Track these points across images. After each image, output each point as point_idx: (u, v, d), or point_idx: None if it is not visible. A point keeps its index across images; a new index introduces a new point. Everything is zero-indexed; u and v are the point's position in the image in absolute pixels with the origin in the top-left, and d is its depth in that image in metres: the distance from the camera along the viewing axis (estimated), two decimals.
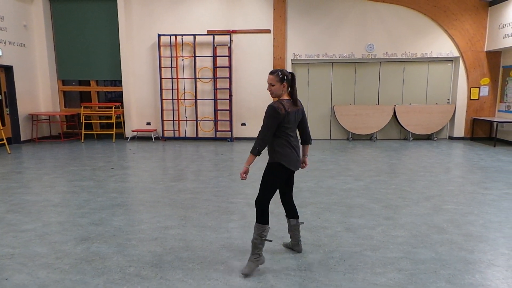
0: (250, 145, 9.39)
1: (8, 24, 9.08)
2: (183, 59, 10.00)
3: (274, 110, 2.74)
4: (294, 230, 3.17)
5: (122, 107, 10.34)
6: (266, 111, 2.80)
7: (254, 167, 6.69)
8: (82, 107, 10.21)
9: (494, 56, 9.53)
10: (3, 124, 9.14)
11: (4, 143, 8.31)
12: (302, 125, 3.05)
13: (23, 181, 5.76)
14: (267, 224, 2.90)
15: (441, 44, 9.62)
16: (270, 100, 9.98)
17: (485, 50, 9.49)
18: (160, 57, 9.89)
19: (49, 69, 10.21)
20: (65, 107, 10.80)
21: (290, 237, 3.25)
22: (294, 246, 3.24)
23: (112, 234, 3.65)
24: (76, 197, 4.88)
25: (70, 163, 7.11)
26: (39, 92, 10.24)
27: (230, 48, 9.75)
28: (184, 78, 10.07)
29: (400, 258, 3.12)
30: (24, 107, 9.66)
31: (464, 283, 2.72)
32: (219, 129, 10.20)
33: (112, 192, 5.11)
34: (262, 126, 2.81)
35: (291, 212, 3.15)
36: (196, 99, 10.07)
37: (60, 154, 8.16)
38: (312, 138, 3.17)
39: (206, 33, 9.82)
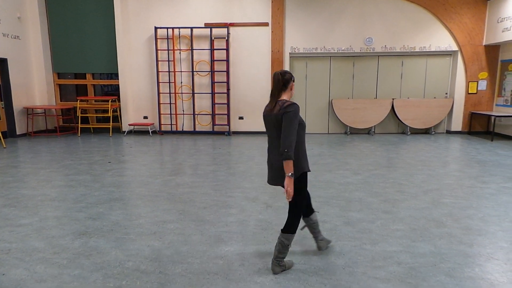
0: (248, 139, 9.36)
1: (1, 16, 8.93)
2: (180, 52, 9.90)
3: None
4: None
5: (119, 100, 10.25)
6: None
7: (252, 162, 6.68)
8: (78, 100, 10.12)
9: (492, 50, 9.51)
10: None
11: None
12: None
13: (19, 175, 5.70)
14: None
15: (440, 38, 9.58)
16: (267, 94, 9.93)
17: (483, 44, 9.46)
18: (157, 50, 9.80)
19: (44, 62, 10.09)
20: (60, 100, 10.70)
21: None
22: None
23: (110, 229, 3.62)
24: (73, 191, 4.84)
25: (66, 157, 7.05)
26: (34, 85, 10.12)
27: (227, 41, 9.67)
28: (181, 71, 9.98)
29: (399, 251, 3.12)
30: (19, 101, 9.55)
31: (463, 276, 2.73)
32: (216, 123, 10.15)
33: (109, 186, 5.07)
34: None
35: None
36: (193, 93, 10.00)
37: (56, 148, 8.09)
38: (286, 145, 2.45)
39: (203, 26, 9.72)
